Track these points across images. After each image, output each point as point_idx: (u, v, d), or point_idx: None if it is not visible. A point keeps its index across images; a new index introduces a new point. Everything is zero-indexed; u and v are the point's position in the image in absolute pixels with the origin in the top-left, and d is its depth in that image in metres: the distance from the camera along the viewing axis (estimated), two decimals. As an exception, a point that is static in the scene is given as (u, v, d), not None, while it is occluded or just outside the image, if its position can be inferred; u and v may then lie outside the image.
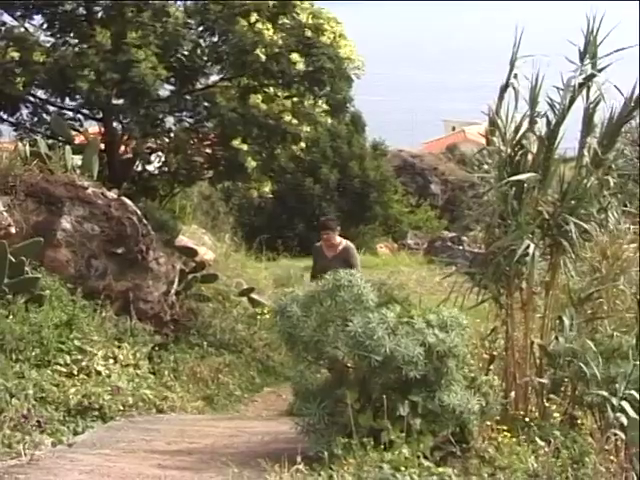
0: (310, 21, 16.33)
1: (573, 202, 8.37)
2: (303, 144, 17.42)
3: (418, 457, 6.67)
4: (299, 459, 6.55)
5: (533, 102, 8.43)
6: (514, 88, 8.48)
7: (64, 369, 10.54)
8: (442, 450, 7.35)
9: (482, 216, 8.85)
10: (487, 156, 8.87)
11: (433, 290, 18.76)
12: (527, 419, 7.87)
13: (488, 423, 7.67)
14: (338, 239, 12.68)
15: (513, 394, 8.27)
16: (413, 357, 7.44)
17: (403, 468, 6.31)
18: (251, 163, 16.09)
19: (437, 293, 16.92)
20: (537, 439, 7.38)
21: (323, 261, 12.30)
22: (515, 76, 8.47)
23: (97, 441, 8.73)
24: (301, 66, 15.91)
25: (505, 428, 7.56)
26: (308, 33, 16.19)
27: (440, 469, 6.45)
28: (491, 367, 8.64)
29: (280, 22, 16.15)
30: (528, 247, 8.05)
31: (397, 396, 7.52)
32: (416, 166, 42.23)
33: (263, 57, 15.56)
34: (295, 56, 15.83)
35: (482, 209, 8.75)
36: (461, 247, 24.33)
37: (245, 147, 15.95)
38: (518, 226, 8.14)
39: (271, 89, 16.64)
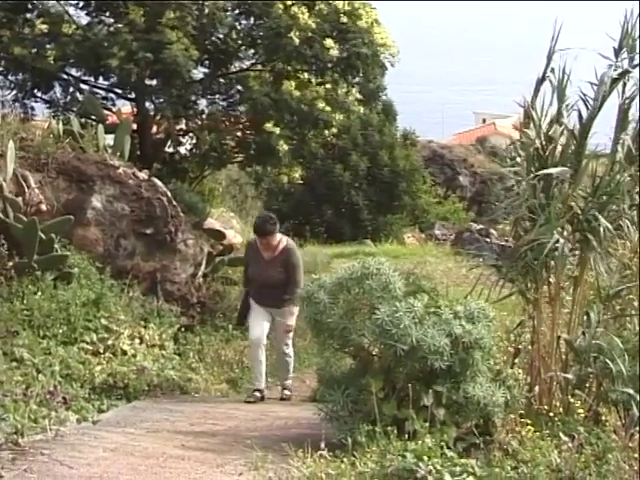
0: (346, 7, 16.30)
1: (604, 198, 8.32)
2: (335, 130, 17.42)
3: (441, 447, 6.64)
4: (323, 445, 6.56)
5: (561, 96, 8.39)
6: (550, 82, 8.43)
7: (90, 347, 10.62)
8: (465, 441, 7.36)
9: (511, 209, 8.80)
10: (518, 149, 8.83)
11: (459, 282, 18.67)
12: (551, 414, 7.83)
13: (512, 416, 7.65)
14: (278, 236, 10.95)
15: (537, 388, 8.24)
16: (439, 347, 7.43)
17: (426, 458, 6.29)
18: (283, 147, 16.10)
19: (463, 285, 16.83)
20: (561, 434, 7.35)
21: (258, 264, 10.85)
22: (552, 70, 8.42)
23: (121, 420, 8.78)
24: (335, 52, 15.89)
25: (529, 422, 7.53)
26: (343, 19, 16.16)
27: (463, 460, 6.43)
28: (516, 360, 8.61)
29: (316, 7, 16.12)
30: (557, 241, 8.02)
31: (421, 386, 7.52)
32: (445, 157, 42.11)
33: (297, 41, 15.54)
34: (329, 41, 15.81)
35: (511, 202, 8.70)
36: (489, 240, 24.23)
37: (277, 131, 15.95)
38: (547, 220, 8.10)
39: (304, 75, 16.62)
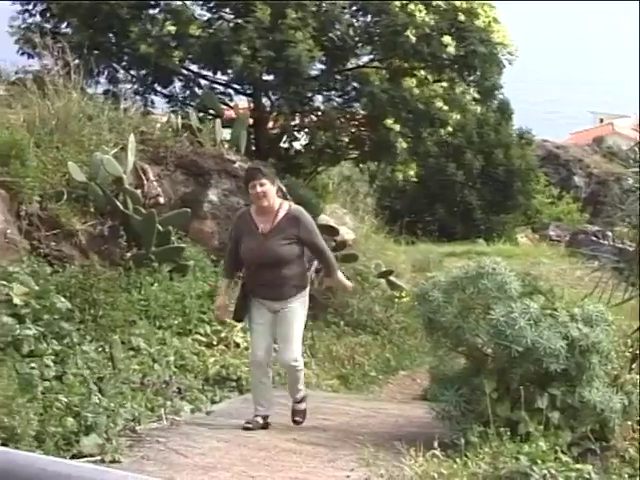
0: (464, 5, 16.18)
1: None
2: (450, 128, 17.33)
3: (555, 452, 6.55)
4: (436, 444, 6.53)
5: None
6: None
7: (204, 339, 10.75)
8: (580, 446, 7.23)
9: (631, 211, 8.62)
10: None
11: (574, 284, 18.39)
12: (670, 421, 7.67)
13: (629, 423, 7.50)
14: (277, 201, 8.22)
15: (656, 395, 8.06)
16: (555, 350, 7.33)
17: (540, 461, 6.21)
18: (402, 144, 16.07)
19: (577, 287, 16.58)
20: (680, 442, 7.19)
21: (253, 238, 8.17)
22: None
23: (234, 411, 8.88)
24: (452, 49, 15.78)
25: (647, 429, 7.39)
26: (461, 17, 16.04)
27: (578, 465, 6.32)
28: (634, 366, 8.44)
29: (434, 4, 16.03)
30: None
31: (536, 388, 7.43)
32: (560, 157, 41.46)
33: (413, 39, 15.48)
34: (447, 39, 15.71)
35: (631, 204, 8.53)
36: (606, 242, 23.80)
37: (397, 127, 15.92)
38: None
39: (422, 72, 16.56)
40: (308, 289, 8.47)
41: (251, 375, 8.70)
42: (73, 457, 6.75)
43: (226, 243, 9.83)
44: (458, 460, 6.50)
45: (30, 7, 16.74)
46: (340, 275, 8.74)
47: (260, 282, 8.18)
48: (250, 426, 8.21)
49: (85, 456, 6.86)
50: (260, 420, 8.26)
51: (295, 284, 8.27)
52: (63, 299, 8.76)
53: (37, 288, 8.36)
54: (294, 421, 8.55)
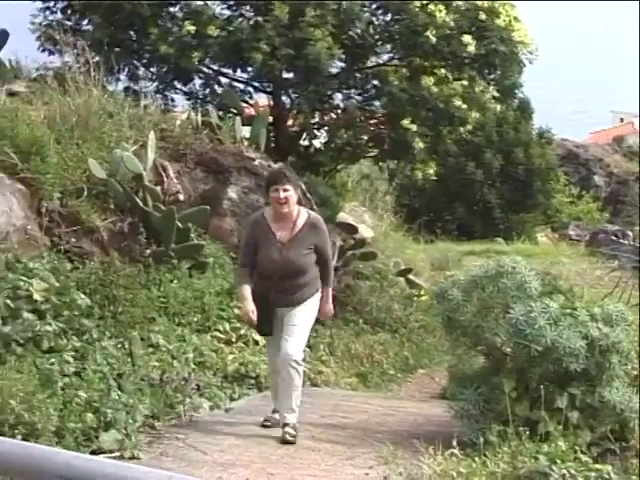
0: (485, 4, 16.14)
1: None
2: (470, 127, 17.31)
3: (575, 451, 6.54)
4: (455, 443, 6.52)
5: None
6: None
7: (223, 336, 10.75)
8: (599, 446, 7.22)
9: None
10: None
11: (593, 283, 18.33)
12: (690, 422, 7.63)
13: (649, 423, 7.48)
14: (296, 207, 7.95)
15: (676, 395, 8.03)
16: (574, 349, 7.32)
17: (559, 461, 6.20)
18: (419, 144, 16.06)
19: (597, 287, 16.53)
20: (700, 443, 7.16)
21: (271, 247, 7.86)
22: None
23: (253, 409, 8.89)
24: (472, 48, 15.74)
25: (667, 430, 7.36)
26: (482, 16, 16.00)
27: (598, 465, 6.31)
28: (653, 366, 8.41)
29: (454, 4, 16.00)
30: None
31: (555, 388, 7.43)
32: (580, 156, 41.31)
33: (433, 39, 15.45)
34: (467, 38, 15.67)
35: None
36: (626, 242, 23.71)
37: (414, 127, 15.91)
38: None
39: (441, 71, 16.54)
40: (319, 293, 8.14)
41: (270, 377, 8.54)
42: (92, 453, 6.77)
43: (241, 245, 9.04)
44: (477, 459, 6.50)
45: (51, 4, 16.79)
46: (330, 292, 8.30)
47: (276, 290, 7.85)
48: (269, 424, 8.07)
49: (104, 452, 6.89)
50: (278, 417, 8.05)
51: (310, 289, 8.02)
52: (83, 295, 8.80)
53: (57, 284, 8.39)
54: (283, 440, 7.71)
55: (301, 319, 7.91)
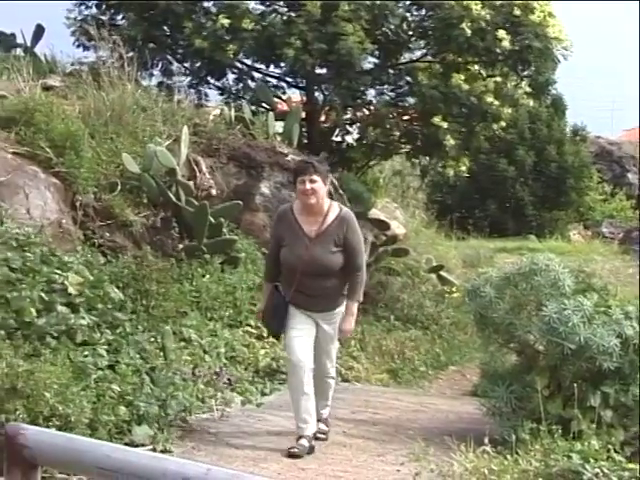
0: (519, 0, 16.05)
1: None
2: (502, 124, 17.24)
3: (608, 450, 6.49)
4: (486, 440, 6.50)
5: None
6: None
7: (254, 331, 10.76)
8: (633, 446, 7.19)
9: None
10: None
11: (626, 281, 18.23)
12: None
13: (683, 423, 7.43)
14: (326, 201, 7.42)
15: None
16: (608, 348, 7.29)
17: (592, 460, 6.16)
18: (450, 141, 16.01)
19: (630, 285, 16.45)
20: None
21: (298, 242, 7.32)
22: None
23: (284, 404, 8.88)
24: (506, 44, 15.66)
25: (701, 429, 7.30)
26: (516, 12, 15.92)
27: (631, 465, 6.26)
28: (688, 365, 8.35)
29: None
30: None
31: (588, 386, 7.40)
32: (614, 154, 40.99)
33: (468, 32, 15.39)
34: (501, 33, 15.59)
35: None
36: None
37: (445, 125, 15.86)
38: None
39: (475, 67, 16.48)
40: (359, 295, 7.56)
41: (290, 383, 7.59)
42: (125, 446, 6.80)
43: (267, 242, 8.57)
44: (509, 457, 6.47)
45: (86, -1, 16.91)
46: (354, 310, 7.59)
47: (300, 290, 7.31)
48: (296, 451, 7.19)
49: (137, 445, 6.93)
50: (305, 443, 7.29)
51: (339, 294, 7.45)
52: (116, 289, 8.84)
53: (91, 278, 8.43)
54: (315, 437, 7.45)
55: (335, 337, 7.59)
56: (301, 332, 7.37)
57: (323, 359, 7.54)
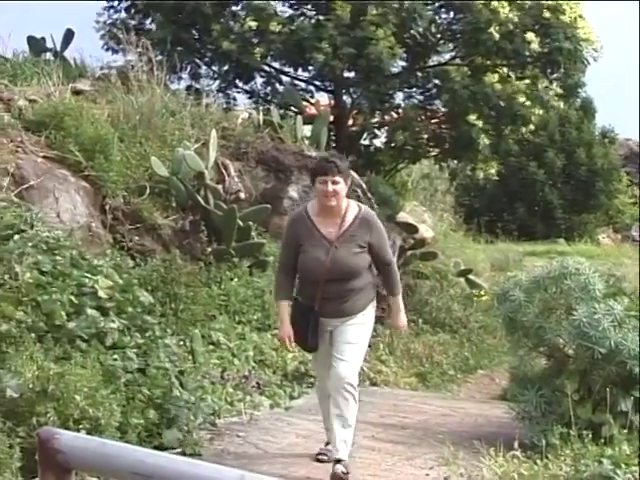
0: (549, 1, 15.99)
1: None
2: (532, 126, 17.17)
3: (639, 456, 6.45)
4: (516, 445, 6.47)
5: None
6: None
7: (283, 334, 10.76)
8: (664, 451, 7.13)
9: None
10: None
11: (656, 285, 18.09)
12: None
13: None
14: (344, 200, 6.83)
15: None
16: (639, 352, 7.23)
17: (624, 465, 6.12)
18: (484, 140, 15.96)
19: (660, 289, 16.31)
20: None
21: (317, 248, 6.73)
22: None
23: (312, 407, 8.86)
24: (536, 46, 15.61)
25: None
26: (546, 14, 15.86)
27: (663, 470, 6.22)
28: None
29: (518, 2, 15.88)
30: None
31: (619, 391, 7.34)
32: (644, 157, 40.72)
33: (497, 35, 15.35)
34: (530, 35, 15.54)
35: None
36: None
37: (480, 124, 15.82)
38: None
39: (504, 69, 16.43)
40: (375, 301, 7.02)
41: (320, 403, 7.26)
42: (155, 449, 6.82)
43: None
44: (539, 461, 6.45)
45: (115, 3, 16.98)
46: (401, 301, 7.14)
47: (327, 297, 6.70)
48: (325, 458, 7.05)
49: (166, 448, 6.94)
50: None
51: (362, 298, 6.84)
52: (145, 293, 8.85)
53: (121, 281, 8.45)
54: (334, 475, 6.60)
55: (355, 335, 6.75)
56: (320, 354, 6.90)
57: (337, 360, 6.68)
